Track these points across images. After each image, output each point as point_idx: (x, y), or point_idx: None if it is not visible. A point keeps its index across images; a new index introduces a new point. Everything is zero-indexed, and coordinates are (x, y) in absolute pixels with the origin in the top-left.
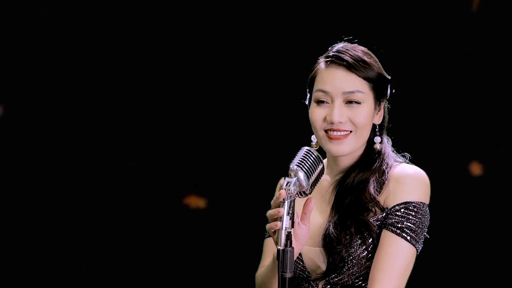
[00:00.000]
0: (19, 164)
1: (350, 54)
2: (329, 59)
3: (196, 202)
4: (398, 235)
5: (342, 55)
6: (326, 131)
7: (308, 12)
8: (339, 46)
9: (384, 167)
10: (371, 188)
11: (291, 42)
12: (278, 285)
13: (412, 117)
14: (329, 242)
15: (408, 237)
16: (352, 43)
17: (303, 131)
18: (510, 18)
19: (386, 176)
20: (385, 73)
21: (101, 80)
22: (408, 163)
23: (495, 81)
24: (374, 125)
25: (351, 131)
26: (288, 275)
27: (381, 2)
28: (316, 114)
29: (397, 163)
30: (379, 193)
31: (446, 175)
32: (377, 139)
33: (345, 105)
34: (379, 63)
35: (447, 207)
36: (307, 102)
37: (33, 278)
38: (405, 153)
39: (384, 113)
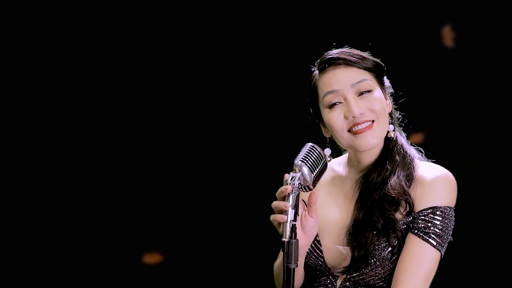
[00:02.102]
0: (19, 164)
1: (343, 52)
2: (325, 64)
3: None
4: (425, 240)
5: (337, 56)
6: (349, 130)
7: (308, 12)
8: (330, 52)
9: (408, 160)
10: (402, 182)
11: (291, 42)
12: (283, 275)
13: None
14: (355, 239)
15: (435, 243)
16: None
17: (303, 131)
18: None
19: (413, 172)
20: (379, 61)
21: (101, 80)
22: (433, 161)
23: (496, 82)
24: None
25: (373, 121)
26: (293, 266)
27: (380, 3)
28: (334, 117)
29: (421, 160)
30: (409, 188)
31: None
32: (390, 127)
33: (358, 98)
34: (369, 54)
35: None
36: (314, 117)
37: (33, 278)
38: (419, 148)
39: (391, 103)
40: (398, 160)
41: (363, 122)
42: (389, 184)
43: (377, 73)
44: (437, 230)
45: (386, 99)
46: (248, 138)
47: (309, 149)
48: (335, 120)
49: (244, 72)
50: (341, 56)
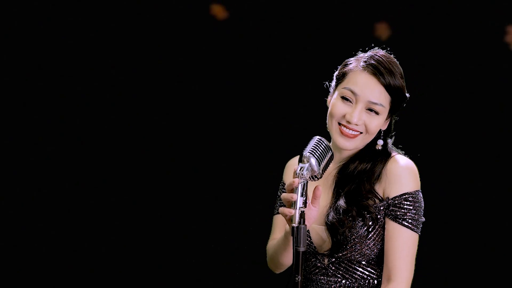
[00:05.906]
0: (19, 164)
1: (385, 67)
2: (367, 66)
3: None
4: (405, 226)
5: (382, 68)
6: (340, 124)
7: (308, 12)
8: (380, 54)
9: (383, 161)
10: (371, 181)
11: (291, 42)
12: (293, 258)
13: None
14: (333, 226)
15: (411, 226)
16: (388, 52)
17: (302, 133)
18: None
19: (384, 168)
20: (405, 92)
21: (101, 80)
22: (401, 153)
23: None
24: (380, 130)
25: (361, 133)
26: (302, 249)
27: (380, 4)
28: (339, 108)
29: (392, 155)
30: (378, 183)
31: (444, 176)
32: (380, 141)
33: (365, 111)
34: (404, 82)
35: (447, 208)
36: (331, 88)
37: (33, 278)
38: (400, 147)
39: (391, 122)
40: (376, 161)
41: (352, 130)
42: (361, 180)
43: (396, 101)
44: (412, 215)
45: (388, 119)
46: (248, 138)
47: (317, 141)
48: (337, 109)
49: (244, 72)
50: (382, 70)
